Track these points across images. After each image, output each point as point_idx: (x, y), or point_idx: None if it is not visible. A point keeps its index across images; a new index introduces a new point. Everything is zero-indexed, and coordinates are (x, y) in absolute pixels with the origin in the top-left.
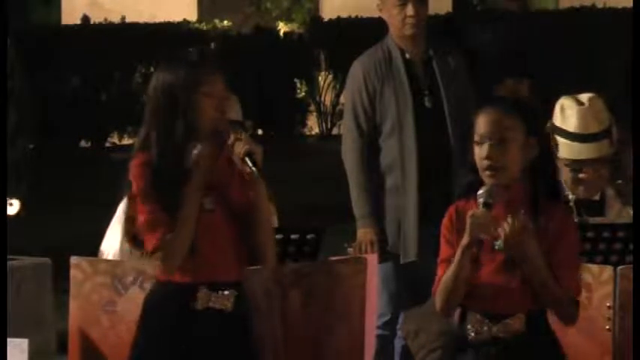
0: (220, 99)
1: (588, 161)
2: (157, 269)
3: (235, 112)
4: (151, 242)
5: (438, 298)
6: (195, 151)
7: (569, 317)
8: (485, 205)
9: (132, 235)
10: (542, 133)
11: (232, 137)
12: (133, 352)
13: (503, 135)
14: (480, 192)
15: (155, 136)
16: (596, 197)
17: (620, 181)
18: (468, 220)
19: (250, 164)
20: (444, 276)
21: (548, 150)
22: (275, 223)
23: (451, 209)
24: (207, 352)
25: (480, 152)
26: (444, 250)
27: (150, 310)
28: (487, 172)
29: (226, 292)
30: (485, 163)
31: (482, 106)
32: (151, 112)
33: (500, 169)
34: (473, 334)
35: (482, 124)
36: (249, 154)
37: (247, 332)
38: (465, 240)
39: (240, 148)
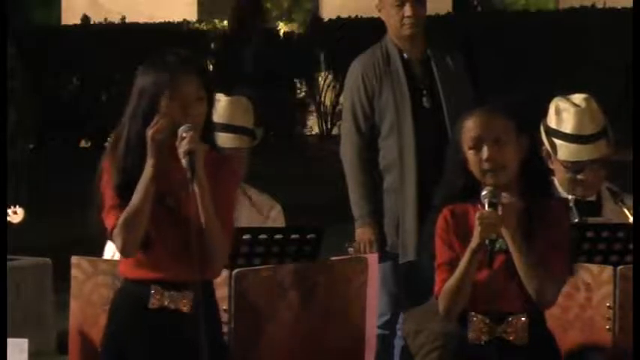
0: (187, 102)
1: (587, 162)
2: (120, 265)
3: (246, 119)
4: (109, 224)
5: (443, 302)
6: (149, 129)
7: (549, 298)
8: (491, 204)
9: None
10: (531, 131)
11: (179, 135)
12: (100, 347)
13: (497, 135)
14: (484, 193)
15: (124, 136)
16: (592, 198)
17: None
18: (477, 222)
19: (186, 165)
20: (451, 279)
21: (538, 148)
22: (282, 222)
23: (445, 212)
24: (161, 352)
25: (477, 155)
26: (442, 253)
27: (112, 306)
28: (489, 174)
29: (181, 293)
30: (487, 165)
31: (474, 110)
32: (125, 114)
33: (500, 169)
34: (474, 334)
35: (474, 127)
36: (188, 153)
37: (208, 336)
38: (474, 242)
39: (181, 149)
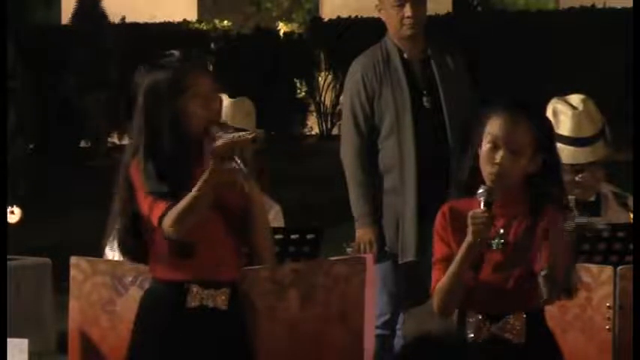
0: (208, 98)
1: (585, 164)
2: (150, 266)
3: (248, 122)
4: (156, 214)
5: (436, 298)
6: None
7: (553, 293)
8: (487, 204)
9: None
10: (552, 149)
11: (215, 136)
12: (129, 350)
13: (519, 146)
14: (480, 191)
15: (144, 139)
16: (592, 198)
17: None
18: (470, 221)
19: (238, 161)
20: (445, 275)
21: (556, 163)
22: (281, 222)
23: (444, 208)
24: (201, 351)
25: (490, 154)
26: (439, 249)
27: (145, 308)
28: (492, 177)
29: (219, 291)
30: (496, 168)
31: (504, 106)
32: (139, 115)
33: (505, 177)
34: (472, 334)
35: (503, 127)
36: (241, 152)
37: (243, 332)
38: (468, 239)
39: (235, 147)
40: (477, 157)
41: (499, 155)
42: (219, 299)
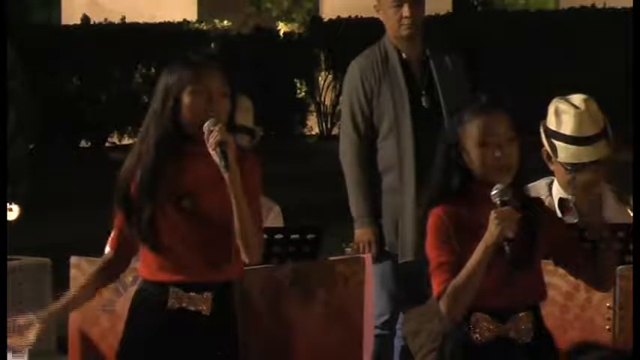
0: (211, 95)
1: (587, 163)
2: (138, 266)
3: (246, 118)
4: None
5: (449, 300)
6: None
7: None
8: (503, 203)
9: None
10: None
11: (206, 129)
12: (118, 349)
13: (512, 135)
14: (494, 192)
15: (152, 135)
16: (593, 198)
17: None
18: (496, 220)
19: (218, 155)
20: (458, 278)
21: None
22: (281, 223)
23: (438, 212)
24: (182, 355)
25: (489, 153)
26: (441, 253)
27: (131, 308)
28: (501, 172)
29: (201, 294)
30: (506, 162)
31: (485, 104)
32: (150, 113)
33: (511, 167)
34: (478, 334)
35: (492, 124)
36: (219, 144)
37: (227, 337)
38: (490, 239)
39: (212, 140)
40: (457, 163)
41: (503, 149)
42: (201, 303)
